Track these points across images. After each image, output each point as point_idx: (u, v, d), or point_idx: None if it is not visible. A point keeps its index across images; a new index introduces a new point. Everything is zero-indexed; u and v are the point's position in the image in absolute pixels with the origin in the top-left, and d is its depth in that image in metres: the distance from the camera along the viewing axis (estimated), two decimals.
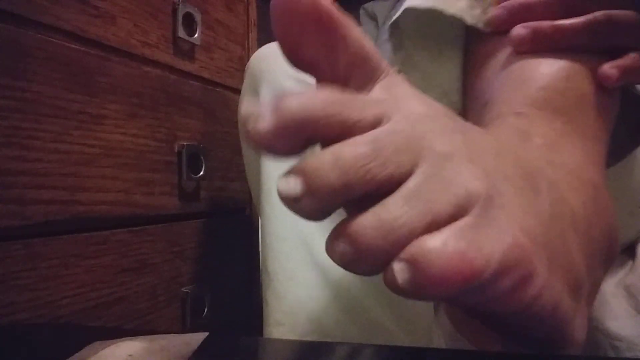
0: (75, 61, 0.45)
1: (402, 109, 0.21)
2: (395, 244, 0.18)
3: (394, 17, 0.37)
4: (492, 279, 0.18)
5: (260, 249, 0.43)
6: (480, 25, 0.34)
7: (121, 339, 0.27)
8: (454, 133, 0.21)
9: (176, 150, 0.57)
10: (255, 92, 0.45)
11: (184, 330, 0.57)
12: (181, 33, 0.58)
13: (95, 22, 0.47)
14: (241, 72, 0.72)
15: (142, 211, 0.52)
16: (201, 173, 0.60)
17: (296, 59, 0.22)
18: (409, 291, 0.18)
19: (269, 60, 0.44)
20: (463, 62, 0.38)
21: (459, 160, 0.20)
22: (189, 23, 0.60)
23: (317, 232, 0.38)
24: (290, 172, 0.19)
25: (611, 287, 0.37)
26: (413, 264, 0.17)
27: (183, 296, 0.58)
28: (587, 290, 0.24)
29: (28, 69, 0.40)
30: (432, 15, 0.36)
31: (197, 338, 0.27)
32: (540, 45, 0.31)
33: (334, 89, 0.20)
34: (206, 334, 0.28)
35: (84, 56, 0.46)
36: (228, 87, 0.69)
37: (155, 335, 0.28)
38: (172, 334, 0.28)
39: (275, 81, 0.43)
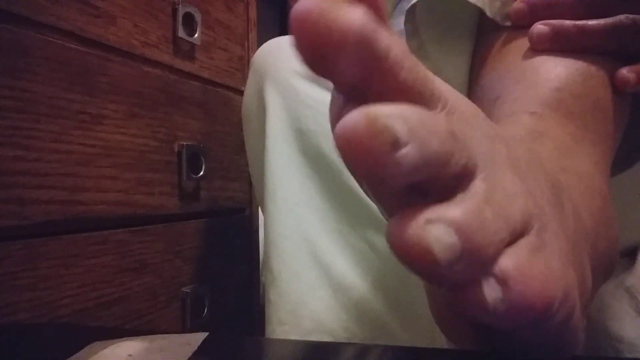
0: (75, 61, 0.45)
1: (458, 110, 0.19)
2: (493, 250, 0.16)
3: (412, 2, 0.36)
4: (559, 307, 0.17)
5: (261, 249, 0.43)
6: (498, 18, 0.34)
7: (121, 339, 0.27)
8: (496, 141, 0.20)
9: (176, 150, 0.57)
10: (260, 89, 0.45)
11: (184, 330, 0.57)
12: (181, 33, 0.58)
13: (95, 22, 0.47)
14: (241, 72, 0.72)
15: (142, 211, 0.52)
16: (201, 173, 0.60)
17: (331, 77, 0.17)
18: (498, 312, 0.16)
19: (274, 56, 0.44)
20: (472, 55, 0.38)
21: (512, 175, 0.19)
22: (189, 23, 0.60)
23: (321, 231, 0.38)
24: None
25: (611, 289, 0.37)
26: (508, 281, 0.16)
27: (183, 296, 0.57)
28: (590, 299, 0.24)
29: (28, 69, 0.40)
30: (448, 8, 0.36)
31: (197, 338, 0.27)
32: (561, 45, 0.30)
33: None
34: (206, 334, 0.28)
35: (84, 56, 0.46)
36: (228, 87, 0.69)
37: (155, 335, 0.28)
38: (172, 334, 0.28)
39: (281, 77, 0.42)
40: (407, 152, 0.15)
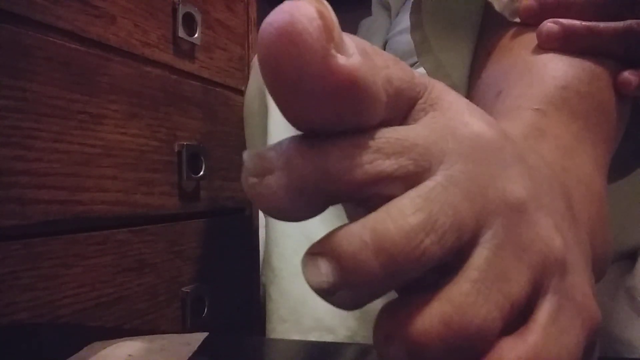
0: (75, 61, 0.45)
1: (455, 143, 0.16)
2: (475, 349, 0.14)
3: None
4: None
5: (261, 249, 0.43)
6: (506, 13, 0.33)
7: (121, 339, 0.27)
8: (518, 163, 0.17)
9: (176, 150, 0.57)
10: (262, 88, 0.45)
11: (184, 330, 0.57)
12: (181, 33, 0.58)
13: (95, 22, 0.47)
14: (241, 72, 0.72)
15: (142, 211, 0.52)
16: (201, 173, 0.60)
17: (303, 125, 0.15)
18: None
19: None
20: (475, 50, 0.38)
21: (532, 211, 0.16)
22: (189, 23, 0.60)
23: (322, 229, 0.38)
24: (318, 253, 0.15)
25: (612, 290, 0.37)
26: None
27: (183, 296, 0.57)
28: None
29: (28, 68, 0.40)
30: (453, 2, 0.35)
31: (197, 338, 0.27)
32: (569, 45, 0.30)
33: (353, 131, 0.15)
34: (206, 334, 0.28)
35: (84, 56, 0.46)
36: (228, 87, 0.69)
37: (155, 335, 0.28)
38: (172, 334, 0.28)
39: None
40: (340, 297, 0.14)
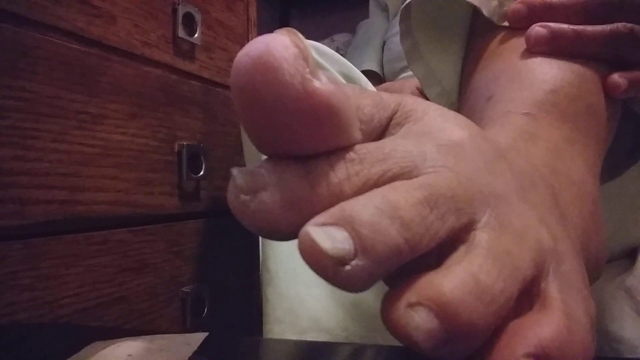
0: (75, 61, 0.45)
1: (433, 145, 0.17)
2: (497, 317, 0.14)
3: (407, 1, 0.36)
4: None
5: (260, 248, 0.43)
6: (495, 18, 0.34)
7: (121, 339, 0.27)
8: (497, 159, 0.18)
9: (176, 150, 0.57)
10: None
11: (184, 330, 0.57)
12: (181, 33, 0.58)
13: (95, 22, 0.47)
14: None
15: (142, 211, 0.52)
16: (201, 173, 0.60)
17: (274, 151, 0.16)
18: None
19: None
20: (464, 56, 0.38)
21: (517, 203, 0.17)
22: (189, 23, 0.60)
23: None
24: (330, 222, 0.14)
25: (612, 289, 0.37)
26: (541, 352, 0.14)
27: (183, 296, 0.58)
28: None
29: (28, 68, 0.40)
30: (442, 8, 0.35)
31: (197, 338, 0.27)
32: (558, 49, 0.30)
33: (337, 145, 0.16)
34: (206, 334, 0.28)
35: (84, 56, 0.46)
36: (228, 87, 0.69)
37: (155, 335, 0.28)
38: (172, 334, 0.28)
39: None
40: (355, 270, 0.14)
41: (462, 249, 0.15)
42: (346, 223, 0.14)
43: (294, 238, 0.15)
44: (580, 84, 0.29)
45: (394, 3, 0.86)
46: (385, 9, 0.90)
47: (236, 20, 0.71)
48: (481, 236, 0.15)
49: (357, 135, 0.16)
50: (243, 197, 0.16)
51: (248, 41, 0.73)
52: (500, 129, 0.26)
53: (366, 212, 0.14)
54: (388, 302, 0.15)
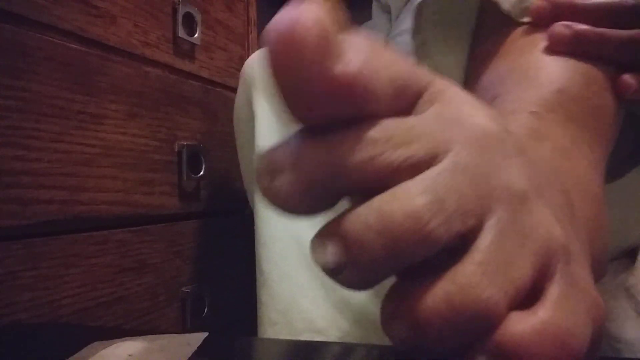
0: (75, 61, 0.45)
1: (460, 132, 0.16)
2: (479, 329, 0.14)
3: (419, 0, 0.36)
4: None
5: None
6: (514, 13, 0.33)
7: (121, 339, 0.27)
8: (519, 155, 0.18)
9: (176, 150, 0.57)
10: (249, 98, 0.45)
11: (184, 330, 0.57)
12: (181, 33, 0.58)
13: (95, 22, 0.47)
14: None
15: (142, 211, 0.52)
16: (201, 173, 0.60)
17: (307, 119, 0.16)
18: None
19: (263, 66, 0.44)
20: (469, 52, 0.38)
21: (534, 201, 0.17)
22: (189, 23, 0.60)
23: (311, 232, 0.38)
24: (325, 236, 0.15)
25: (612, 289, 0.37)
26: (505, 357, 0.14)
27: (183, 296, 0.57)
28: None
29: (28, 68, 0.40)
30: (453, 7, 0.35)
31: (197, 338, 0.27)
32: (579, 50, 0.30)
33: (363, 120, 0.15)
34: (206, 334, 0.28)
35: (84, 56, 0.46)
36: (228, 87, 0.69)
37: (155, 335, 0.28)
38: (172, 334, 0.28)
39: (269, 88, 0.42)
40: (347, 277, 0.15)
41: (463, 253, 0.15)
42: (339, 238, 0.15)
43: (316, 215, 0.16)
44: (587, 84, 0.29)
45: (396, 5, 0.86)
46: (387, 10, 0.91)
47: (236, 20, 0.71)
48: (485, 238, 0.15)
49: (385, 106, 0.16)
50: (264, 181, 0.16)
51: (248, 41, 0.73)
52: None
53: (357, 226, 0.15)
54: (381, 308, 0.16)
